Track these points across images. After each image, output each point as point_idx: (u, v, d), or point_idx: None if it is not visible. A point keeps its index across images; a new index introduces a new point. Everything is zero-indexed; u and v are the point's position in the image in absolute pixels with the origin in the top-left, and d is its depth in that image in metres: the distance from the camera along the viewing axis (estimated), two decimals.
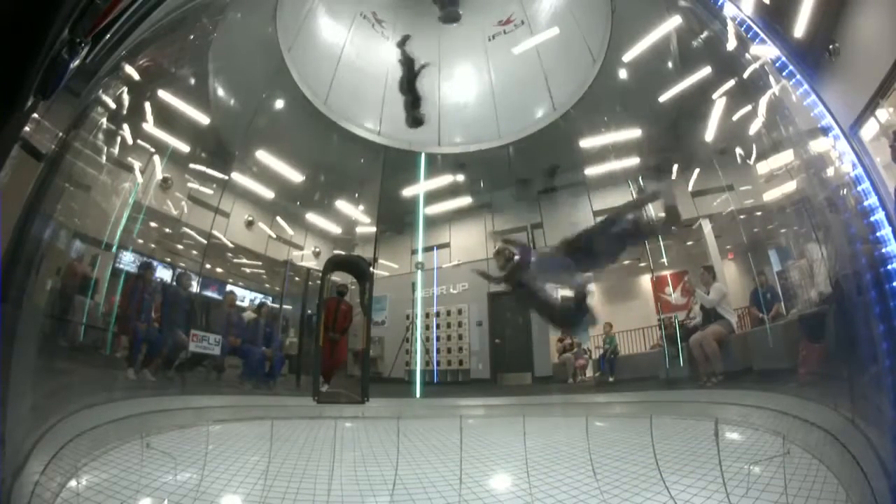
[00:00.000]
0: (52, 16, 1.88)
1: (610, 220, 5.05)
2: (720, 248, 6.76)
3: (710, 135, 6.13)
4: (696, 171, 6.75)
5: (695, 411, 5.26)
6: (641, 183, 6.78)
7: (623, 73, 7.10)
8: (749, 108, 5.37)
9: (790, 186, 5.09)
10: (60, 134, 3.34)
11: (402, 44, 7.45)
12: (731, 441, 4.33)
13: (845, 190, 4.11)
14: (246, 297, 7.55)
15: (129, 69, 4.44)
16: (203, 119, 6.35)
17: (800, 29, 4.27)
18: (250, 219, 7.57)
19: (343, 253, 8.32)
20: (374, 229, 8.54)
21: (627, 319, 7.59)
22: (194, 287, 6.56)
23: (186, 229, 6.65)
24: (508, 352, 8.15)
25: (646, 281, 7.55)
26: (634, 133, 7.15)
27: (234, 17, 6.40)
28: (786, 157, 5.07)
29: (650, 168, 6.97)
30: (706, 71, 5.87)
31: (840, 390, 3.84)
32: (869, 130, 4.04)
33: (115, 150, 5.02)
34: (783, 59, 4.39)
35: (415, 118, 7.36)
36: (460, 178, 8.54)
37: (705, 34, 5.76)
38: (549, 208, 8.09)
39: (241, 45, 6.75)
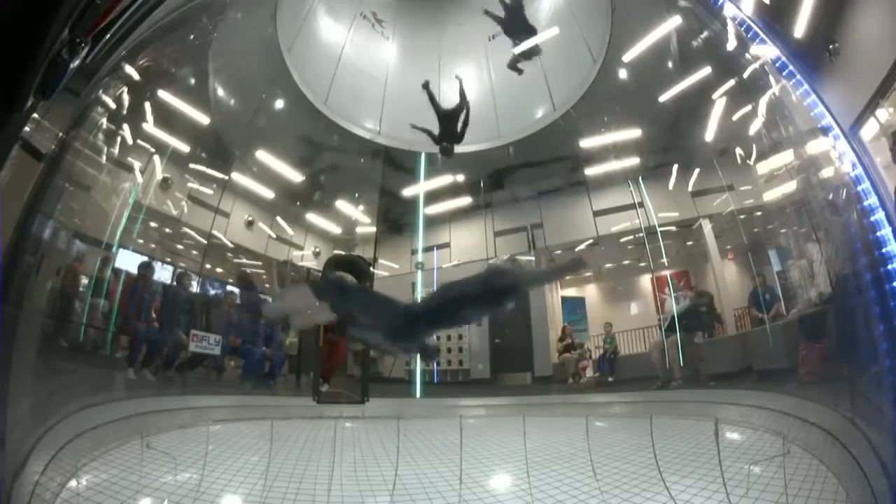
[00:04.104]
0: (52, 16, 1.88)
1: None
2: (720, 248, 6.76)
3: (710, 135, 6.13)
4: (696, 171, 6.76)
5: (695, 411, 5.25)
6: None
7: (623, 73, 7.08)
8: (749, 108, 5.37)
9: (790, 186, 5.09)
10: (60, 134, 3.35)
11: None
12: (731, 441, 4.33)
13: (845, 190, 4.11)
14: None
15: (129, 69, 4.45)
16: (203, 119, 6.35)
17: (800, 29, 4.27)
18: (250, 219, 7.57)
19: (343, 253, 8.31)
20: (374, 229, 8.53)
21: (627, 319, 7.60)
22: (194, 287, 6.56)
23: (186, 229, 6.65)
24: (508, 352, 8.14)
25: (646, 281, 7.55)
26: (634, 133, 7.15)
27: (234, 17, 6.39)
28: (786, 158, 5.08)
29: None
30: (706, 71, 5.87)
31: (840, 390, 3.84)
32: (869, 130, 4.03)
33: (115, 150, 5.03)
34: (783, 59, 4.39)
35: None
36: (460, 177, 8.53)
37: (705, 34, 5.75)
38: (549, 208, 8.10)
39: (241, 45, 6.73)
